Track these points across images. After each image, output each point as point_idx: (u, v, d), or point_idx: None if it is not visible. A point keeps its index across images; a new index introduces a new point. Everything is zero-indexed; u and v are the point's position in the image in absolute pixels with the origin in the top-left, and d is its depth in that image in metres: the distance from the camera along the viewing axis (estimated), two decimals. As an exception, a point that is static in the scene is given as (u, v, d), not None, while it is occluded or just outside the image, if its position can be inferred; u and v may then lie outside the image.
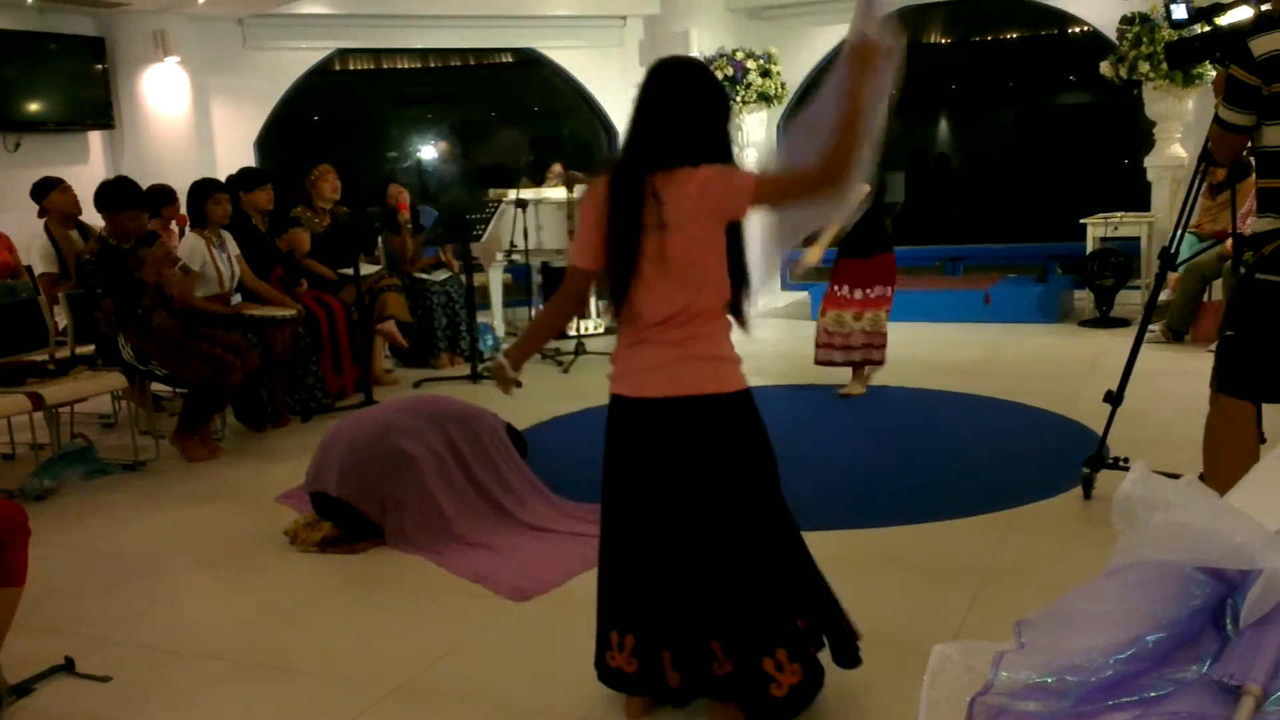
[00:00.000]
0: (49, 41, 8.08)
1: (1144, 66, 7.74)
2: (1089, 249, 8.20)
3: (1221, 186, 6.90)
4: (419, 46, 10.13)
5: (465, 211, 7.23)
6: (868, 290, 5.84)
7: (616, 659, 2.56)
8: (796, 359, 7.32)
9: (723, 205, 2.37)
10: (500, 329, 8.33)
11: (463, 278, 7.33)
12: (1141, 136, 8.54)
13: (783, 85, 9.53)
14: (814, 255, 5.62)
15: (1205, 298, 7.13)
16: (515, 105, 11.60)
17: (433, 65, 10.36)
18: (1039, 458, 4.72)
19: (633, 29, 10.13)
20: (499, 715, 2.75)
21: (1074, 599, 1.20)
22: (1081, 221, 8.42)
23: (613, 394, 2.53)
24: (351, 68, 10.12)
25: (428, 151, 11.67)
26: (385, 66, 10.29)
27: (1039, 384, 6.03)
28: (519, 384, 2.70)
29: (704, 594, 2.44)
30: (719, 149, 2.42)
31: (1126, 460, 4.04)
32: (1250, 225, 3.24)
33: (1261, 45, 3.02)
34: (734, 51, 9.37)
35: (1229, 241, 4.86)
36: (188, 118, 8.73)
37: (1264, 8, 3.45)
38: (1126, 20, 7.88)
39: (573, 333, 8.18)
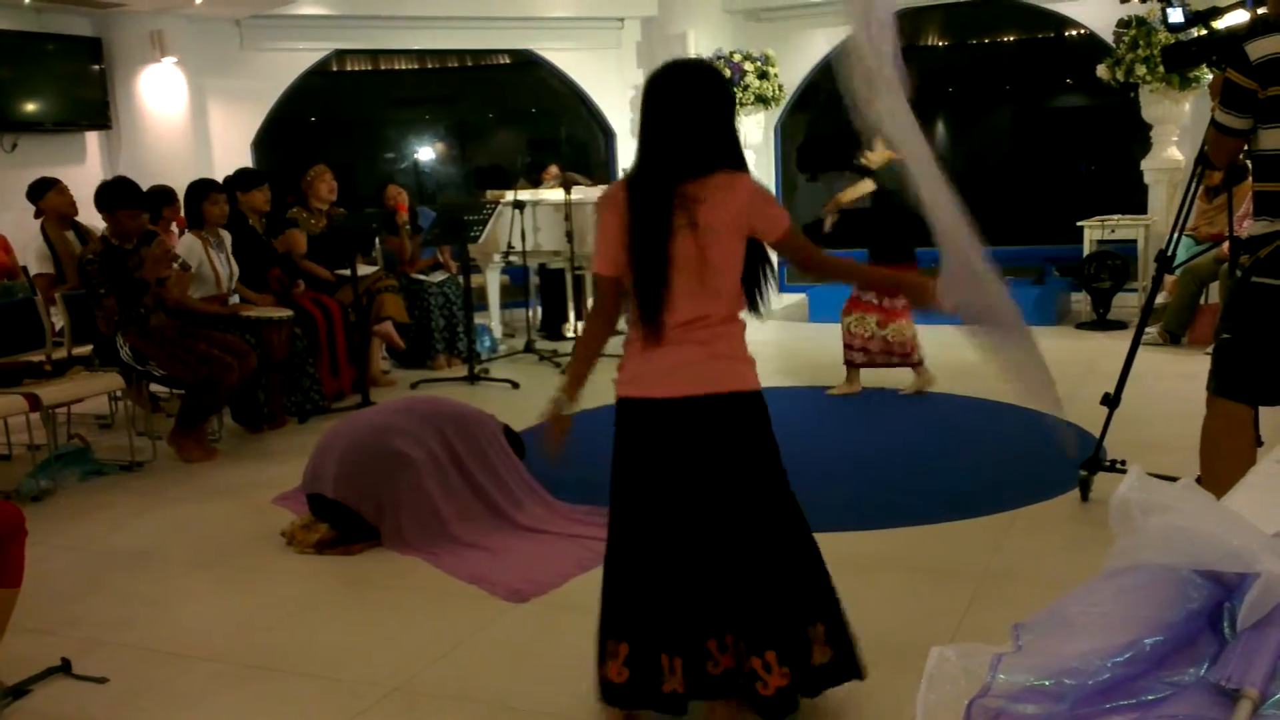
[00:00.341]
0: (46, 42, 8.07)
1: (1141, 70, 7.75)
2: (1086, 251, 8.21)
3: (1218, 189, 6.90)
4: (416, 48, 10.12)
5: (462, 213, 7.22)
6: (892, 300, 5.81)
7: (610, 669, 2.50)
8: (794, 359, 7.33)
9: (756, 227, 2.43)
10: (497, 330, 8.33)
11: (460, 279, 7.33)
12: (1138, 139, 8.55)
13: (780, 87, 9.54)
14: (848, 196, 5.60)
15: (1202, 300, 7.14)
16: (512, 107, 11.59)
17: (430, 66, 10.35)
18: (1036, 460, 4.72)
19: (630, 31, 10.13)
20: (496, 716, 2.75)
21: (1072, 601, 1.20)
22: (1078, 224, 8.44)
23: (625, 398, 2.49)
24: (349, 69, 10.11)
25: (425, 153, 11.66)
26: (382, 68, 10.28)
27: (1036, 386, 6.03)
28: (569, 430, 2.61)
29: (716, 591, 2.42)
30: (735, 148, 2.46)
31: (1124, 463, 4.04)
32: (1247, 228, 3.24)
33: (1258, 49, 3.03)
34: (731, 53, 9.37)
35: (1226, 244, 4.88)
36: (185, 118, 8.71)
37: (1260, 11, 3.46)
38: (1123, 23, 7.90)
39: (570, 334, 8.19)
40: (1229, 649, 1.10)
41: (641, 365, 2.45)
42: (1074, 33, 9.23)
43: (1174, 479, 1.32)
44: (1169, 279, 6.42)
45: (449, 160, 11.79)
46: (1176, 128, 8.18)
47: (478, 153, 11.75)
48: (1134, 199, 8.61)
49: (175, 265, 5.33)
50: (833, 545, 3.72)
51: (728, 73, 9.13)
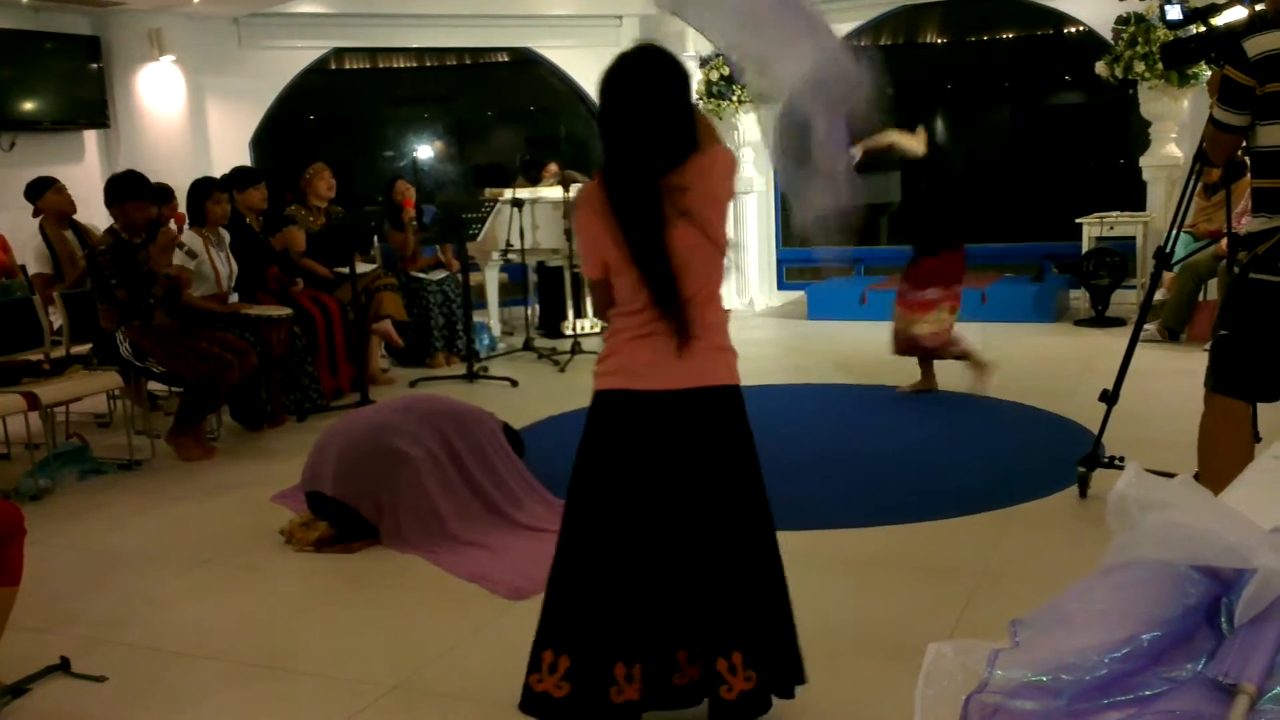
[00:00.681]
0: (44, 40, 8.06)
1: (1139, 66, 7.75)
2: (1085, 248, 8.21)
3: (1216, 186, 6.91)
4: (415, 46, 10.12)
5: (461, 211, 7.22)
6: (925, 292, 5.68)
7: (544, 682, 2.38)
8: (793, 357, 7.33)
9: (730, 192, 2.42)
10: (496, 328, 8.33)
11: (459, 277, 7.33)
12: (1136, 136, 8.55)
13: (779, 84, 9.52)
14: (894, 139, 5.55)
15: (1200, 297, 7.14)
16: (511, 104, 11.59)
17: (429, 64, 10.35)
18: (1034, 456, 4.73)
19: (629, 28, 10.11)
20: (496, 714, 2.74)
21: (1069, 598, 1.20)
22: (1077, 221, 8.44)
23: (606, 390, 2.42)
24: (347, 67, 10.10)
25: (424, 151, 11.66)
26: (381, 66, 10.28)
27: (1034, 383, 6.04)
28: None
29: (686, 596, 2.37)
30: (695, 125, 2.41)
31: (1122, 459, 4.05)
32: (1245, 225, 3.24)
33: (1256, 46, 3.03)
34: (730, 51, 9.36)
35: (1224, 241, 4.88)
36: (183, 117, 8.71)
37: (1258, 8, 3.46)
38: (1122, 20, 7.90)
39: (569, 332, 8.18)
40: (1226, 644, 1.11)
41: (626, 357, 2.39)
42: (1073, 30, 9.23)
43: (1172, 475, 1.32)
44: (1167, 276, 6.43)
45: (448, 158, 11.79)
46: (1175, 124, 8.18)
47: (476, 151, 11.75)
48: (1133, 196, 8.61)
49: (183, 251, 5.34)
50: (831, 542, 3.75)
51: (725, 70, 9.13)
